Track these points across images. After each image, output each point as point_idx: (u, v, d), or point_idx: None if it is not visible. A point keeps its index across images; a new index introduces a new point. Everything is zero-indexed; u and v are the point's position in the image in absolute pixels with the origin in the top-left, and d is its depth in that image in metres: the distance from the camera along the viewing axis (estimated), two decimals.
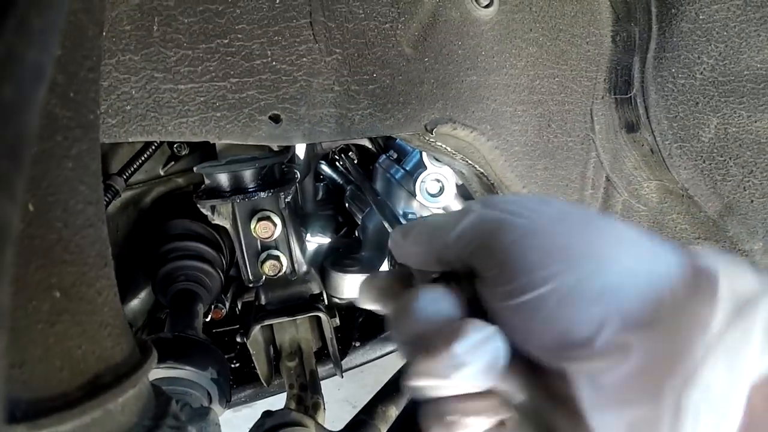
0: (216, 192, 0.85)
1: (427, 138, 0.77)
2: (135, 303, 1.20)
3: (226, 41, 0.66)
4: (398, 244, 0.45)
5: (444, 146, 0.80)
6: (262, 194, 0.83)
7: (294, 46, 0.68)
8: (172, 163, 1.13)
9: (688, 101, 0.88)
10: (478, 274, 0.39)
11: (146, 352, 0.49)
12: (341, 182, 1.49)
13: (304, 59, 0.69)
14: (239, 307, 1.30)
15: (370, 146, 1.43)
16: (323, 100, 0.70)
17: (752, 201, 0.91)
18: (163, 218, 1.14)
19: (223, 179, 0.84)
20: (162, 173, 1.14)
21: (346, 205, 1.40)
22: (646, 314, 0.33)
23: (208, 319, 1.27)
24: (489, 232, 0.38)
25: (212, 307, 1.25)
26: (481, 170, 0.83)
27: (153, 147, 1.01)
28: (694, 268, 0.34)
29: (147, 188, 1.17)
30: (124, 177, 1.00)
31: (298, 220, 1.12)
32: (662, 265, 0.35)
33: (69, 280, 0.38)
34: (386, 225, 0.67)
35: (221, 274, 1.12)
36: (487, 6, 0.79)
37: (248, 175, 0.84)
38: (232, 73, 0.67)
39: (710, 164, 0.90)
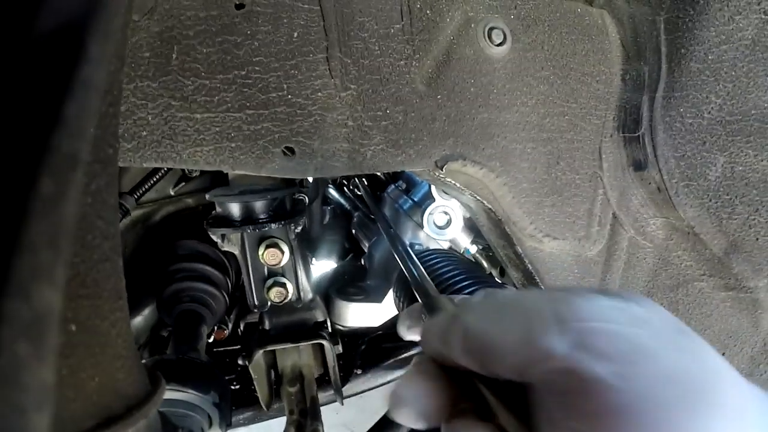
0: (227, 221, 0.85)
1: (437, 174, 0.78)
2: (138, 320, 1.20)
3: (244, 73, 0.67)
4: (437, 345, 0.39)
5: (453, 182, 0.80)
6: (273, 225, 0.84)
7: (310, 81, 0.69)
8: (183, 183, 1.14)
9: (695, 140, 0.88)
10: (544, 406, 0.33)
11: (156, 383, 0.49)
12: (349, 208, 1.49)
13: (320, 94, 0.69)
14: (242, 328, 1.30)
15: (379, 174, 1.43)
16: (336, 135, 0.71)
17: (757, 239, 0.91)
18: (171, 238, 1.15)
19: (235, 209, 0.84)
20: (172, 193, 1.15)
21: (353, 231, 1.41)
22: None
23: (210, 340, 1.27)
24: (576, 390, 0.31)
25: (215, 327, 1.25)
26: (489, 206, 0.84)
27: (165, 168, 1.02)
28: None
29: (156, 207, 1.18)
30: (135, 196, 1.01)
31: (305, 245, 1.12)
32: None
33: (84, 313, 0.38)
34: (398, 259, 0.67)
35: (226, 296, 1.13)
36: (500, 44, 0.80)
37: (259, 206, 0.84)
38: (248, 104, 0.68)
39: (716, 203, 0.90)
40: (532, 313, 0.34)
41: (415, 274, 0.60)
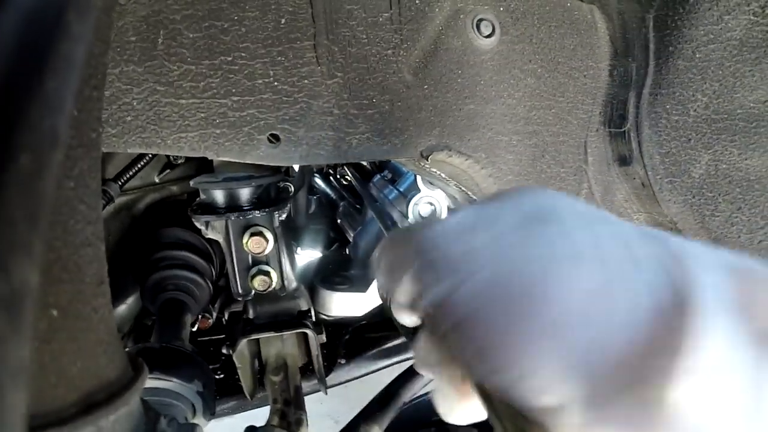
0: (211, 208, 0.85)
1: (422, 164, 0.78)
2: (122, 308, 1.20)
3: (230, 59, 0.67)
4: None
5: (438, 172, 0.81)
6: (257, 213, 0.83)
7: (296, 68, 0.69)
8: (168, 171, 1.13)
9: (680, 137, 0.89)
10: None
11: (138, 369, 0.49)
12: (334, 197, 1.49)
13: (306, 81, 0.69)
14: (226, 318, 1.30)
15: (365, 163, 1.43)
16: (322, 123, 0.70)
17: (739, 236, 0.93)
18: (155, 225, 1.14)
19: (219, 196, 0.84)
20: (157, 180, 1.14)
21: (338, 221, 1.41)
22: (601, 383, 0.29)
23: (194, 329, 1.26)
24: (438, 321, 0.35)
25: (199, 316, 1.24)
26: (474, 197, 0.84)
27: (150, 155, 1.01)
28: (676, 296, 0.29)
29: (141, 194, 1.17)
30: (120, 183, 1.00)
31: (290, 234, 1.12)
32: (630, 292, 0.30)
33: (66, 298, 0.38)
34: (384, 231, 0.68)
35: (210, 284, 1.12)
36: (488, 36, 0.80)
37: (244, 193, 0.84)
38: (233, 91, 0.67)
39: (700, 199, 0.91)
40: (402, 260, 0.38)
41: None
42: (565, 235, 0.33)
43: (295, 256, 1.16)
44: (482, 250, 0.34)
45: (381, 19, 0.73)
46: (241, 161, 0.69)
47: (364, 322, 1.25)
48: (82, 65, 0.23)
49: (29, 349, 0.18)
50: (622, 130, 0.91)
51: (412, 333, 0.45)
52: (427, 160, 0.77)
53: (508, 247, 0.33)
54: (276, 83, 0.68)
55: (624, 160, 0.92)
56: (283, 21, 0.68)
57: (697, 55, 0.85)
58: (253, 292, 0.93)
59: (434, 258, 0.35)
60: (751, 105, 0.86)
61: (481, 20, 0.79)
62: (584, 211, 0.35)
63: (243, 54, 0.67)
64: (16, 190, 0.17)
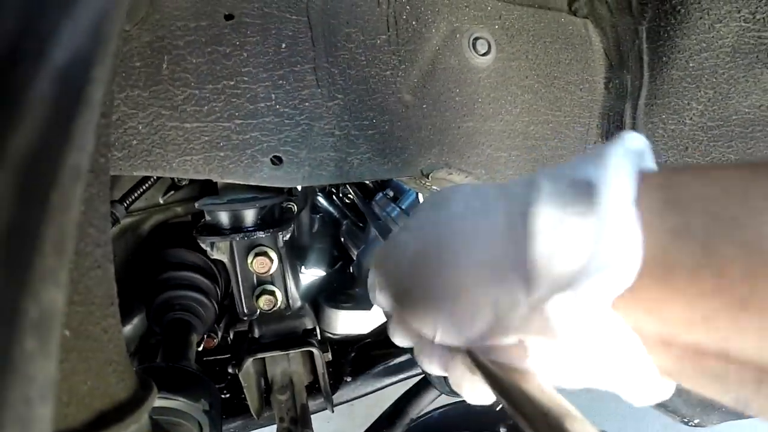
0: (216, 229, 0.86)
1: (423, 181, 0.79)
2: (128, 329, 1.20)
3: (233, 83, 0.68)
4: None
5: (439, 190, 0.82)
6: (261, 233, 0.84)
7: (297, 91, 0.70)
8: (172, 192, 1.14)
9: (677, 146, 0.90)
10: None
11: (147, 388, 0.50)
12: (337, 216, 1.50)
13: (307, 104, 0.70)
14: (231, 337, 1.30)
15: (367, 182, 1.44)
16: (324, 144, 0.72)
17: None
18: (160, 246, 1.15)
19: (224, 217, 0.85)
20: (161, 201, 1.15)
21: (342, 239, 1.41)
22: None
23: (200, 348, 1.27)
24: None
25: (205, 336, 1.25)
26: None
27: (154, 177, 1.02)
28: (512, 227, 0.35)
29: (146, 215, 1.18)
30: (125, 205, 1.01)
31: (294, 253, 1.13)
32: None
33: (77, 319, 0.39)
34: None
35: (216, 304, 1.13)
36: (484, 54, 0.81)
37: (248, 214, 0.85)
38: (236, 114, 0.68)
39: None
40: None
41: None
42: (449, 214, 0.40)
43: (300, 275, 1.17)
44: (399, 235, 0.44)
45: (379, 42, 0.74)
46: (245, 183, 0.71)
47: (369, 340, 1.26)
48: (101, 104, 0.25)
49: (56, 367, 0.19)
50: None
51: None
52: (428, 178, 0.78)
53: (420, 234, 0.42)
54: (278, 106, 0.69)
55: None
56: (283, 45, 0.69)
57: (691, 64, 0.86)
58: (258, 311, 0.94)
59: (380, 270, 0.45)
60: (746, 110, 0.87)
61: (477, 39, 0.81)
62: (468, 191, 0.42)
63: (245, 78, 0.68)
64: (47, 223, 0.19)
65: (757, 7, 0.80)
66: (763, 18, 0.80)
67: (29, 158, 0.18)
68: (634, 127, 0.91)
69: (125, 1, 0.30)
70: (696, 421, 1.15)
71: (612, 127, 0.93)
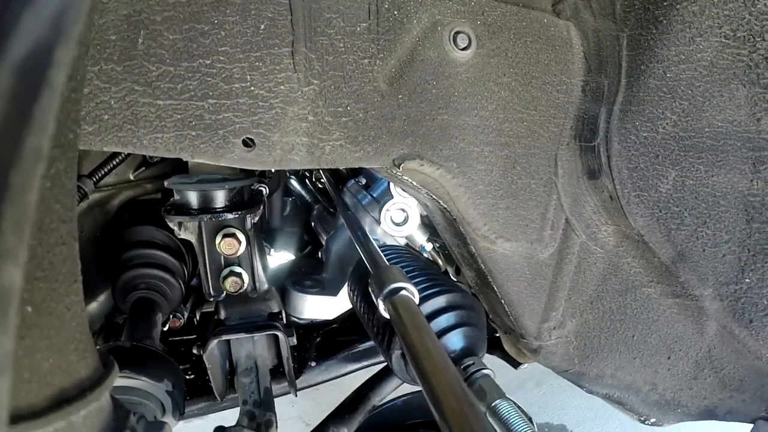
0: (184, 208, 0.85)
1: (395, 171, 0.79)
2: (93, 306, 1.19)
3: (208, 62, 0.67)
4: None
5: (410, 180, 0.82)
6: (230, 215, 0.84)
7: (273, 74, 0.70)
8: (143, 168, 1.13)
9: (649, 153, 0.91)
10: None
11: (109, 366, 0.50)
12: (310, 200, 1.50)
13: (282, 87, 0.70)
14: (197, 318, 1.30)
15: (341, 168, 1.44)
16: (296, 129, 0.71)
17: (704, 250, 0.95)
18: (128, 223, 1.14)
19: (193, 197, 0.84)
20: (132, 178, 1.14)
21: (312, 224, 1.41)
22: None
23: (165, 328, 1.26)
24: None
25: (170, 316, 1.24)
26: (445, 205, 0.86)
27: (125, 153, 1.01)
28: None
29: (115, 191, 1.17)
30: (94, 180, 0.99)
31: (263, 236, 1.13)
32: None
33: (40, 296, 0.39)
34: (354, 241, 0.69)
35: (182, 284, 1.12)
36: (464, 49, 0.81)
37: (218, 195, 0.84)
38: (210, 93, 0.68)
39: (666, 213, 0.94)
40: None
41: (369, 249, 0.62)
42: None
43: (268, 258, 1.17)
44: None
45: (359, 29, 0.74)
46: (216, 163, 0.70)
47: (334, 326, 1.26)
48: (64, 87, 0.25)
49: (13, 342, 0.20)
50: (592, 144, 0.93)
51: (380, 337, 0.49)
52: (399, 169, 0.78)
53: None
54: (252, 88, 0.69)
55: (593, 174, 0.94)
56: (262, 27, 0.69)
57: (668, 75, 0.87)
58: (225, 293, 0.94)
59: None
60: (719, 124, 0.89)
61: (458, 33, 0.81)
62: None
63: (221, 57, 0.68)
64: (7, 203, 0.19)
65: (738, 25, 0.81)
66: (744, 36, 0.82)
67: None
68: (607, 131, 0.92)
69: None
70: (652, 420, 1.18)
71: (586, 129, 0.94)
